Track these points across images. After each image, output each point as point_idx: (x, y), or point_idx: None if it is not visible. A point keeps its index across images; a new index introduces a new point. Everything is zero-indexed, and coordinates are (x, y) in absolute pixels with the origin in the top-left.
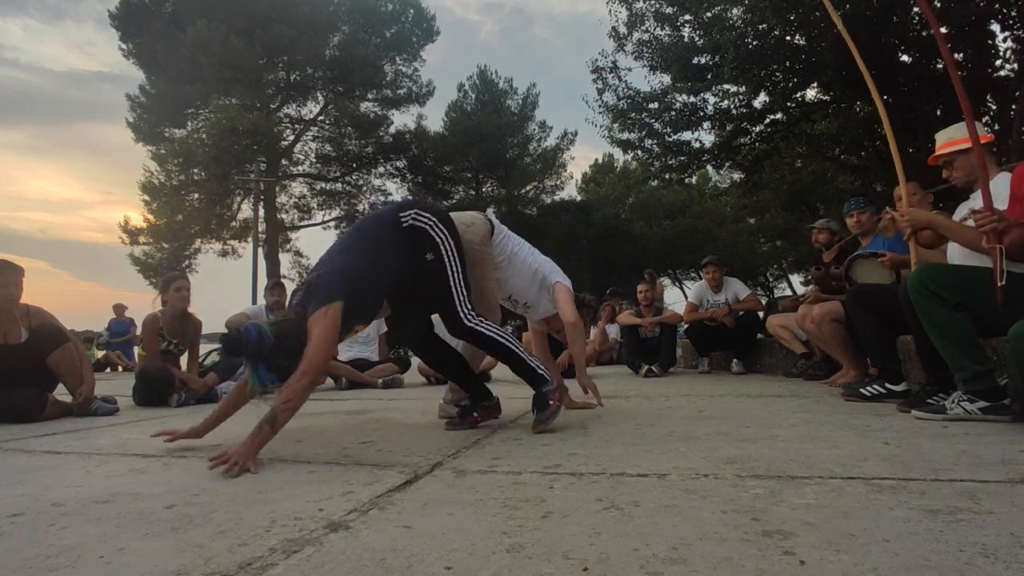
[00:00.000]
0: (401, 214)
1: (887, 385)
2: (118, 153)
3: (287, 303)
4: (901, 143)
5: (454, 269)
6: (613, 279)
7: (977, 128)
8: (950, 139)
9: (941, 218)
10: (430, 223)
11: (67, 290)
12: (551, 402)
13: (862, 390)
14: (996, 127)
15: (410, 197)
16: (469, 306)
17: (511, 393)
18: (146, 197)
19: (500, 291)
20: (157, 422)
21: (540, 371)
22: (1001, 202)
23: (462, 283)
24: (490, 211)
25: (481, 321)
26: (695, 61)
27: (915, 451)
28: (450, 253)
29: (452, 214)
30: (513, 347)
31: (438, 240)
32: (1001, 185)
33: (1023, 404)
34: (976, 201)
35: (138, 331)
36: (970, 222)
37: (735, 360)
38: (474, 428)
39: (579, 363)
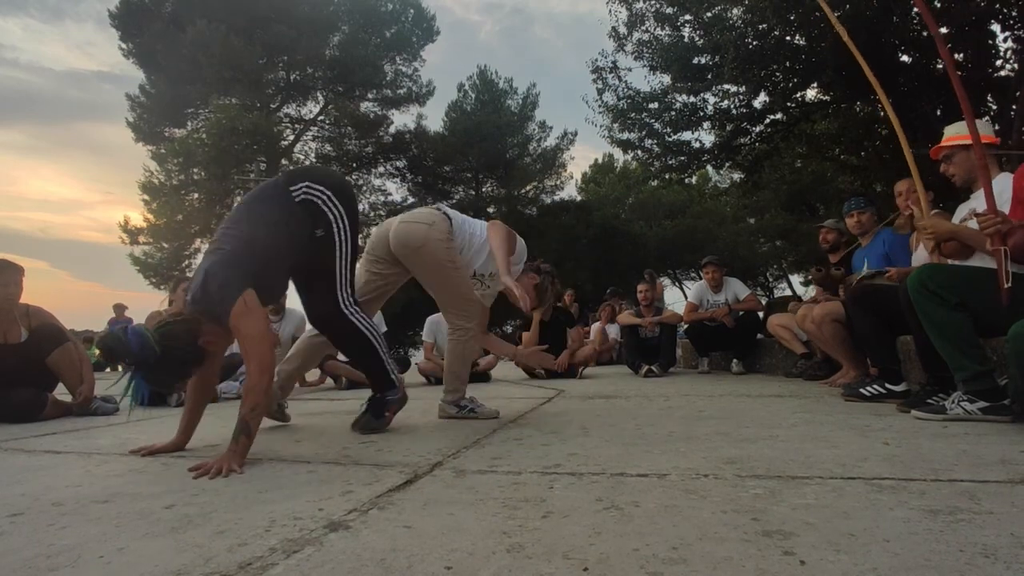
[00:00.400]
0: (291, 188)
1: (887, 385)
2: (118, 153)
3: (186, 296)
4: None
5: (343, 249)
6: (613, 279)
7: (985, 129)
8: (957, 134)
9: (964, 228)
10: (322, 197)
11: (67, 290)
12: (387, 413)
13: (862, 390)
14: (996, 127)
15: (409, 198)
16: (349, 291)
17: (511, 394)
18: (146, 197)
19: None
20: (157, 422)
21: (393, 376)
22: (1003, 203)
23: (348, 265)
24: (442, 204)
25: (356, 312)
26: (695, 61)
27: (915, 451)
28: (342, 230)
29: (409, 214)
30: (376, 344)
31: (331, 217)
32: (1002, 186)
33: (1023, 404)
34: (975, 201)
35: None
36: (970, 223)
37: (735, 360)
38: (389, 426)
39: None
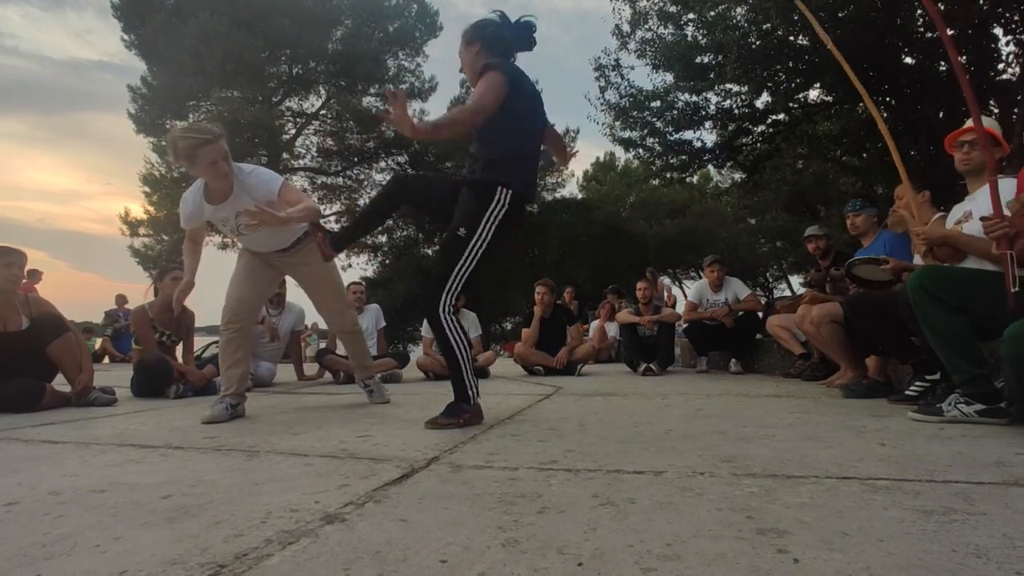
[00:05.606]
0: None
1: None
2: (118, 144)
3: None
4: (903, 146)
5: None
6: (613, 278)
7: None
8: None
9: (957, 233)
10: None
11: (66, 281)
12: (459, 418)
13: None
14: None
15: None
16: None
17: (508, 390)
18: (147, 189)
19: None
20: (155, 413)
21: (471, 392)
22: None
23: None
24: None
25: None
26: (698, 60)
27: (911, 452)
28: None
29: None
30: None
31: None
32: (1004, 189)
33: (1019, 406)
34: (970, 203)
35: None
36: (966, 226)
37: (733, 360)
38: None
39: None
